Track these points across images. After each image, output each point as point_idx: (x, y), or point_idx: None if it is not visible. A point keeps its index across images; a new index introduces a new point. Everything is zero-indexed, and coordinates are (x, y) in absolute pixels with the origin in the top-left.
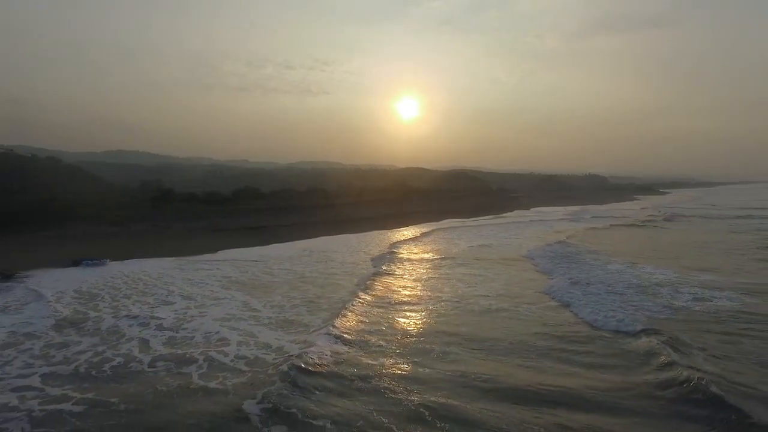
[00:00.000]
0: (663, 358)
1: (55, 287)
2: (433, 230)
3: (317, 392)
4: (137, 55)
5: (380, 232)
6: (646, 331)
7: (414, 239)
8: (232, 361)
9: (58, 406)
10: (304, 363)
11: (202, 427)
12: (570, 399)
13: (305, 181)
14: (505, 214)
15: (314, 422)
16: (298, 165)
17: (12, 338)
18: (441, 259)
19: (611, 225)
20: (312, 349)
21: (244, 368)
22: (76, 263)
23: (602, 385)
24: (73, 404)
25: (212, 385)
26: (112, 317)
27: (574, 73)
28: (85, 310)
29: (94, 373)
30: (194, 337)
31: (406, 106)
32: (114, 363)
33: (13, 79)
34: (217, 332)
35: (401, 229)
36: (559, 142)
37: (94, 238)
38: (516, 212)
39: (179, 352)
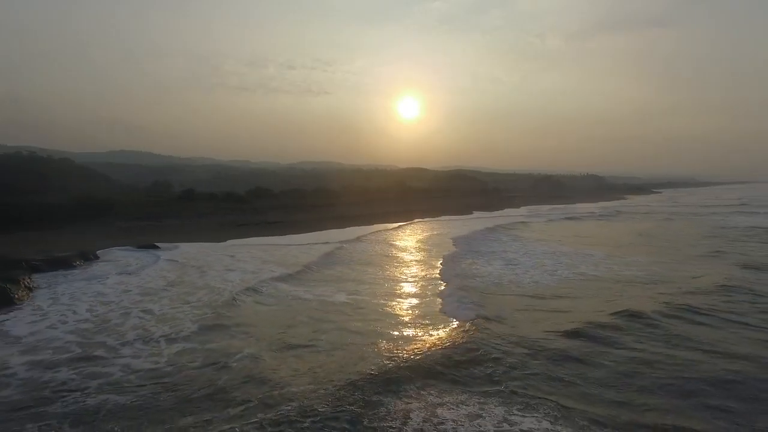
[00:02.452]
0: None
1: (144, 262)
2: (420, 222)
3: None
4: (139, 55)
5: (378, 225)
6: (458, 286)
7: (395, 229)
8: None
9: (203, 322)
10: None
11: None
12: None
13: (309, 181)
14: (494, 212)
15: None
16: (299, 165)
17: (145, 291)
18: (401, 240)
19: (549, 220)
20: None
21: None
22: (143, 247)
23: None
24: (209, 319)
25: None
26: (200, 280)
27: (576, 72)
28: (179, 276)
29: (213, 305)
30: None
31: (407, 106)
32: (221, 301)
33: (14, 79)
34: None
35: (397, 223)
36: (560, 143)
37: (137, 230)
38: (506, 210)
39: (259, 297)
